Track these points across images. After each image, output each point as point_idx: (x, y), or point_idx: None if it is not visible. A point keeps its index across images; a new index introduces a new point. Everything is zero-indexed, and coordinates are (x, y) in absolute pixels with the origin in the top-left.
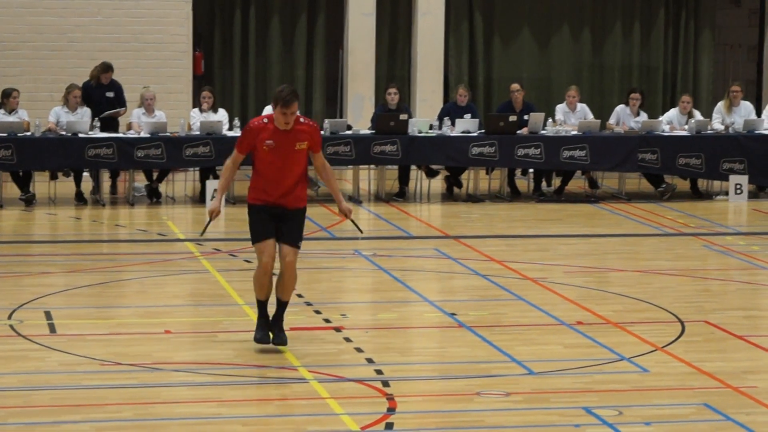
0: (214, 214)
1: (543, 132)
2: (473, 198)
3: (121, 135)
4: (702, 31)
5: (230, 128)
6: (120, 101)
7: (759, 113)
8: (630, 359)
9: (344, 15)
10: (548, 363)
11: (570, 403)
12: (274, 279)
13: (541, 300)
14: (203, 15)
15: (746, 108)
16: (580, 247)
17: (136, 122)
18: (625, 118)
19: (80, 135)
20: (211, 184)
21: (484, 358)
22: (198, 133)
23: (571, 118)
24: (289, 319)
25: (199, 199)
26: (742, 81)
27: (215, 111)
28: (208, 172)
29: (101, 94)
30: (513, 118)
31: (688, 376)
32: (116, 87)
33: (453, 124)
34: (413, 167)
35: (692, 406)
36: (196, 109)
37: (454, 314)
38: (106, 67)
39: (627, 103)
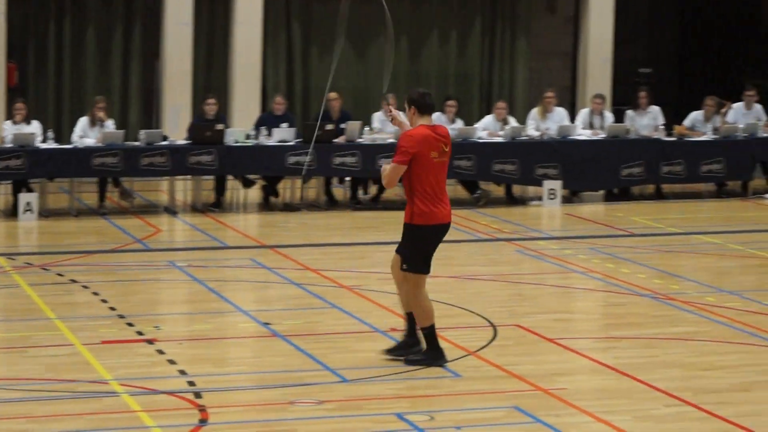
0: None
1: (360, 140)
2: (290, 207)
3: None
4: (517, 39)
5: (44, 140)
6: None
7: (573, 119)
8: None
9: (161, 25)
10: (362, 370)
11: (382, 409)
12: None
13: (356, 307)
14: (16, 26)
15: (560, 114)
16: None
17: None
18: None
19: None
20: (24, 197)
21: (298, 367)
22: (11, 145)
23: (388, 126)
24: (101, 332)
25: (12, 212)
26: (557, 87)
27: (28, 123)
28: (20, 185)
29: None
30: (330, 126)
31: (500, 380)
32: None
33: (270, 133)
34: (230, 177)
35: (503, 409)
36: (9, 121)
37: (268, 324)
38: None
39: (443, 111)
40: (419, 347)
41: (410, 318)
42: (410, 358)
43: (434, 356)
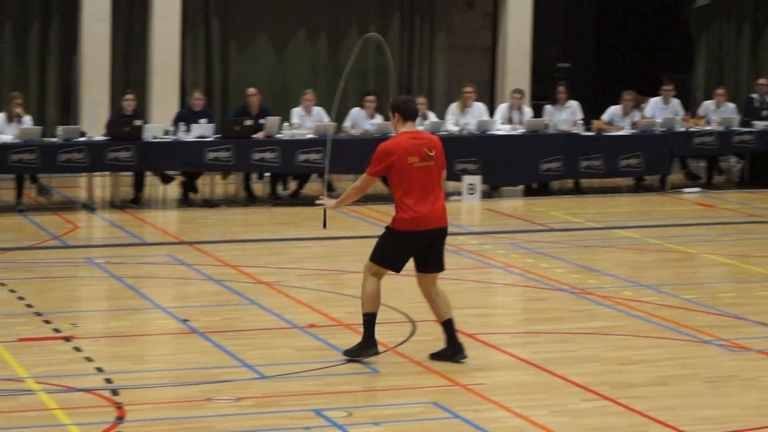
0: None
1: (279, 136)
2: (209, 203)
3: None
4: (436, 34)
5: None
6: None
7: (492, 114)
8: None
9: (78, 20)
10: (280, 366)
11: (300, 405)
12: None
13: (275, 304)
14: None
15: (479, 109)
16: (314, 250)
17: None
18: (360, 121)
19: None
20: None
21: (215, 364)
22: None
23: (307, 121)
24: (17, 330)
25: None
26: (475, 82)
27: None
28: None
29: None
30: (249, 122)
31: (418, 376)
32: None
33: (188, 129)
34: (148, 173)
35: (421, 405)
36: None
37: (186, 320)
38: None
39: (362, 106)
40: (463, 354)
41: (447, 325)
42: (456, 359)
43: (364, 346)
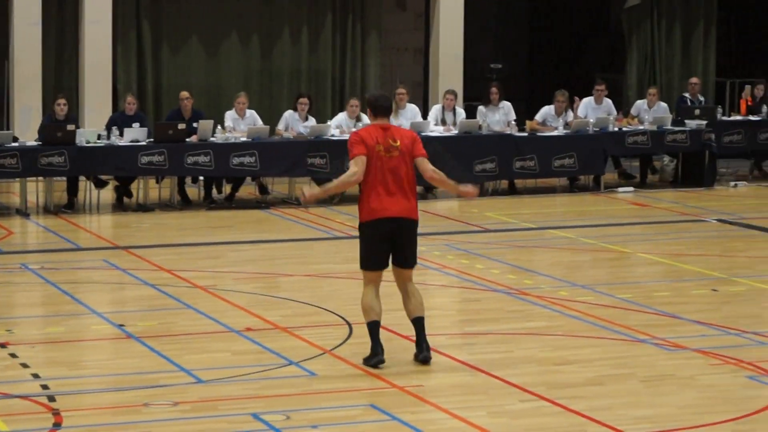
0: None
1: (212, 139)
2: (143, 207)
3: None
4: (369, 35)
5: None
6: None
7: (425, 115)
8: (298, 363)
9: (9, 25)
10: (217, 371)
11: (238, 409)
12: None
13: (211, 308)
14: None
15: (412, 110)
16: (250, 254)
17: None
18: (293, 124)
19: None
20: None
21: (152, 369)
22: None
23: (240, 124)
24: None
25: None
26: (408, 84)
27: None
28: None
29: None
30: (182, 125)
31: (356, 378)
32: None
33: (121, 133)
34: (82, 178)
35: (359, 407)
36: None
37: (122, 325)
38: None
39: (295, 109)
40: (423, 355)
41: (415, 323)
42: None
43: (371, 354)
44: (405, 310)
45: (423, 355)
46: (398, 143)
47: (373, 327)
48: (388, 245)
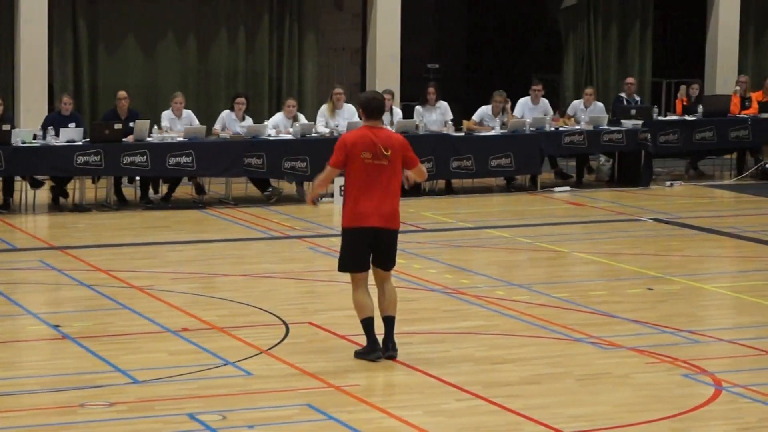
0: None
1: (149, 139)
2: (80, 208)
3: None
4: (306, 35)
5: None
6: None
7: None
8: (234, 363)
9: None
10: (153, 371)
11: (174, 410)
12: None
13: (147, 308)
14: None
15: (350, 110)
16: (187, 254)
17: None
18: (230, 124)
19: None
20: None
21: (88, 369)
22: None
23: (177, 124)
24: None
25: None
26: (346, 84)
27: None
28: None
29: None
30: (118, 126)
31: (292, 378)
32: None
33: (57, 133)
34: (17, 178)
35: (295, 407)
36: None
37: (58, 326)
38: None
39: (232, 109)
40: (377, 354)
41: (385, 321)
42: (370, 357)
43: (368, 350)
44: (378, 306)
45: (389, 353)
46: (389, 153)
47: (368, 323)
48: (368, 250)
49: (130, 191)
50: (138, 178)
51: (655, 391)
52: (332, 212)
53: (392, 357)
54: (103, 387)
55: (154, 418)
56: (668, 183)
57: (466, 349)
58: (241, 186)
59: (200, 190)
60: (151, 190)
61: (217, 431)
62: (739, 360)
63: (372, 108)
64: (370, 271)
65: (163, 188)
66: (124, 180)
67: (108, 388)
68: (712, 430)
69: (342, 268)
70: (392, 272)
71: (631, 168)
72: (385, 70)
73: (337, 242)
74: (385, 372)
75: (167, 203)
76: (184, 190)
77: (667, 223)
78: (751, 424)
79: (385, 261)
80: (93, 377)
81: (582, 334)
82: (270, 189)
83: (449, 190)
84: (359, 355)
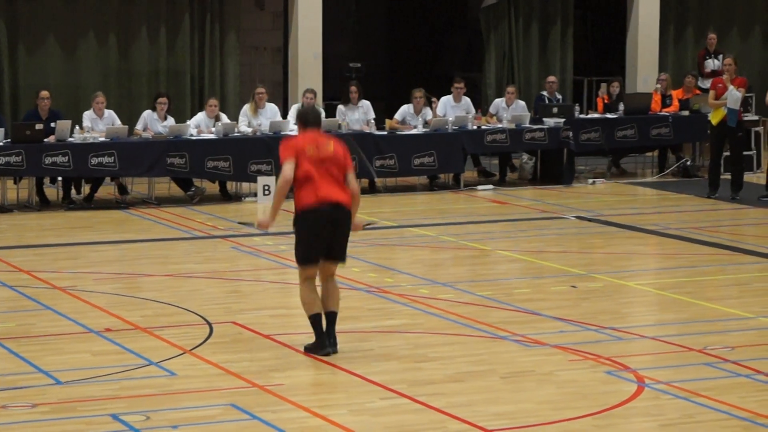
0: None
1: (70, 139)
2: (1, 208)
3: None
4: (227, 35)
5: None
6: None
7: (285, 115)
8: (158, 363)
9: None
10: (76, 372)
11: (97, 411)
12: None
13: (70, 309)
14: None
15: (272, 110)
16: (110, 254)
17: None
18: (152, 123)
19: None
20: None
21: (10, 371)
22: None
23: (99, 124)
24: None
25: None
26: (268, 83)
27: None
28: None
29: None
30: (39, 126)
31: (216, 378)
32: None
33: None
34: None
35: (219, 407)
36: None
37: None
38: None
39: (154, 109)
40: (326, 350)
41: (327, 316)
42: (320, 353)
43: (316, 345)
44: (322, 302)
45: (332, 348)
46: (331, 146)
47: (316, 319)
48: (327, 233)
49: (52, 192)
50: (60, 178)
51: (578, 388)
52: (255, 211)
53: (334, 352)
54: (26, 388)
55: (78, 419)
56: (591, 181)
57: (391, 348)
58: (164, 186)
59: (123, 190)
60: (73, 191)
61: (140, 431)
62: (662, 357)
63: (306, 120)
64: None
65: (86, 189)
66: (46, 180)
67: (31, 389)
68: (634, 426)
69: (298, 260)
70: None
71: (553, 166)
72: (307, 69)
73: (261, 241)
74: (310, 371)
75: (90, 203)
76: (107, 190)
77: (589, 220)
78: (673, 420)
79: (339, 250)
80: (15, 378)
81: (506, 332)
82: (193, 189)
83: (372, 189)
84: (309, 350)
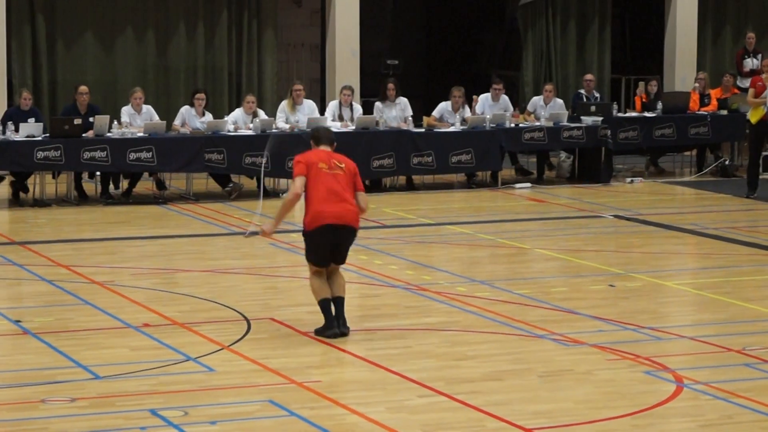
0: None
1: (109, 134)
2: (40, 203)
3: None
4: (265, 31)
5: None
6: None
7: (322, 111)
8: (196, 359)
9: None
10: (114, 366)
11: (136, 405)
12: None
13: (108, 303)
14: None
15: (309, 106)
16: (148, 249)
17: None
18: (190, 119)
19: None
20: None
21: (49, 365)
22: None
23: (136, 120)
24: None
25: None
26: (305, 80)
27: None
28: None
29: None
30: (78, 121)
31: (254, 374)
32: None
33: (17, 128)
34: None
35: (257, 403)
36: None
37: (19, 321)
38: None
39: (192, 104)
40: (333, 330)
41: (335, 302)
42: (326, 334)
43: (325, 327)
44: (330, 289)
45: (341, 329)
46: (343, 165)
47: (325, 303)
48: (330, 249)
49: (90, 186)
50: (98, 173)
51: (616, 387)
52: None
53: (344, 334)
54: (65, 383)
55: (116, 413)
56: (628, 179)
57: (428, 346)
58: (202, 181)
59: (161, 185)
60: (111, 186)
61: (179, 427)
62: (701, 357)
63: (317, 137)
64: None
65: (124, 183)
66: (85, 175)
67: (69, 384)
68: (673, 427)
69: (308, 260)
70: (354, 268)
71: (591, 164)
72: (345, 65)
73: (296, 237)
74: (348, 368)
75: (128, 198)
76: (145, 185)
77: (627, 219)
78: (711, 421)
79: (340, 258)
80: (54, 373)
81: (544, 331)
82: (230, 185)
83: (410, 187)
84: (318, 333)
